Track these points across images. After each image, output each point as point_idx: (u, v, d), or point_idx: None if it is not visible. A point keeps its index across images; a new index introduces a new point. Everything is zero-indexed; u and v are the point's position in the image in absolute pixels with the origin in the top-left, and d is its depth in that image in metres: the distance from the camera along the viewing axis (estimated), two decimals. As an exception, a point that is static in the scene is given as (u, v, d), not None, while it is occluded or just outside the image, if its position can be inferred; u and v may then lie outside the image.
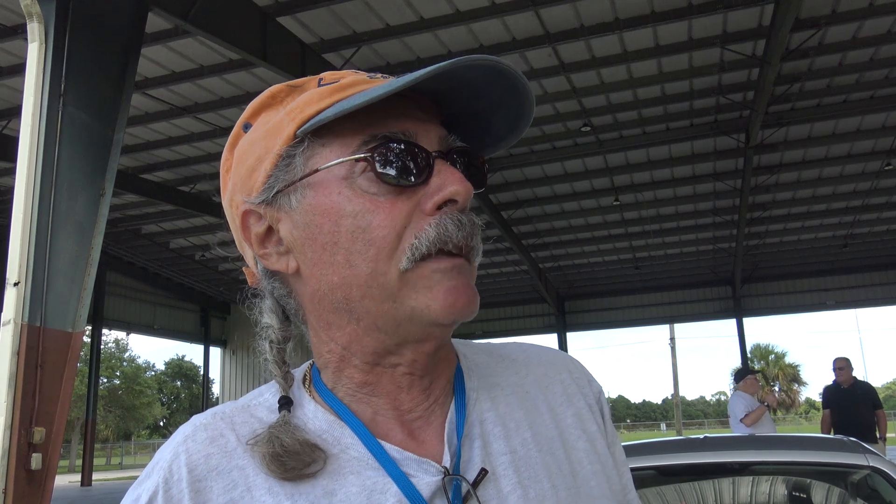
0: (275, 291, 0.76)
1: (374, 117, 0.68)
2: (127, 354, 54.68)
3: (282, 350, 0.76)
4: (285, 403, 0.72)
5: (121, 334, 46.34)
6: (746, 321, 26.19)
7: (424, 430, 0.72)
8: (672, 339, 38.88)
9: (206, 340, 27.99)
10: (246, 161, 0.73)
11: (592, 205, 19.05)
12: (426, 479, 0.67)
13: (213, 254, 22.43)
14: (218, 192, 0.78)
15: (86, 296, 5.06)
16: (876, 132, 15.23)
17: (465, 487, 0.68)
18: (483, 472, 0.68)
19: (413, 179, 0.67)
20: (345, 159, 0.68)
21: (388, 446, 0.69)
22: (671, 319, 30.59)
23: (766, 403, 7.72)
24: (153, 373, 60.07)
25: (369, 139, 0.68)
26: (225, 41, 9.50)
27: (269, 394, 0.75)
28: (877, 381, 72.45)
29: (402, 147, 0.67)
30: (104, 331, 24.94)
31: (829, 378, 8.68)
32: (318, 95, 0.70)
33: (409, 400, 0.72)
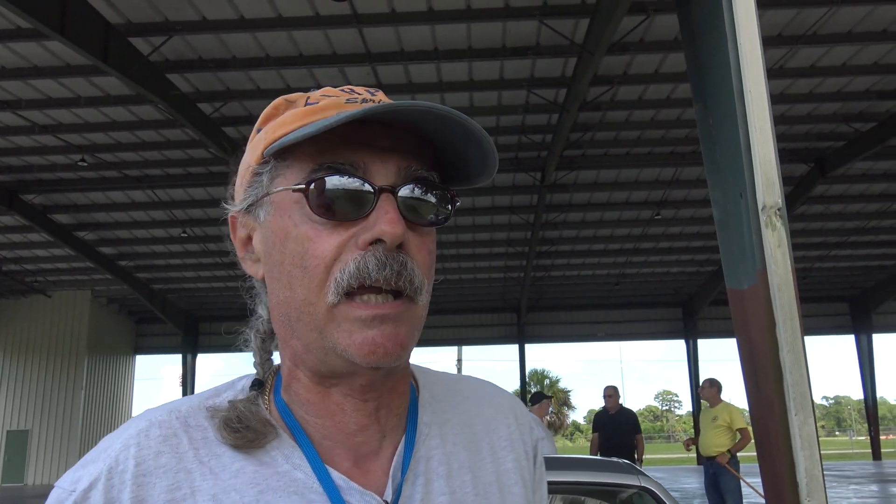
0: (259, 287, 0.79)
1: (331, 144, 0.68)
2: None
3: (266, 341, 0.79)
4: (258, 385, 0.75)
5: None
6: (528, 347, 27.96)
7: (372, 461, 0.73)
8: (459, 360, 40.37)
9: (-45, 336, 24.64)
10: (240, 170, 0.78)
11: (396, 225, 19.38)
12: None
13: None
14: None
15: None
16: (650, 184, 17.05)
17: None
18: None
19: (350, 214, 0.68)
20: (285, 188, 0.70)
21: (334, 473, 0.70)
22: (460, 342, 31.83)
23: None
24: None
25: (318, 168, 0.68)
26: (15, 5, 8.58)
27: (226, 394, 0.76)
28: (633, 407, 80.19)
29: (343, 179, 0.67)
30: None
31: (593, 403, 9.53)
32: (292, 117, 0.71)
33: (355, 422, 0.72)
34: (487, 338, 28.77)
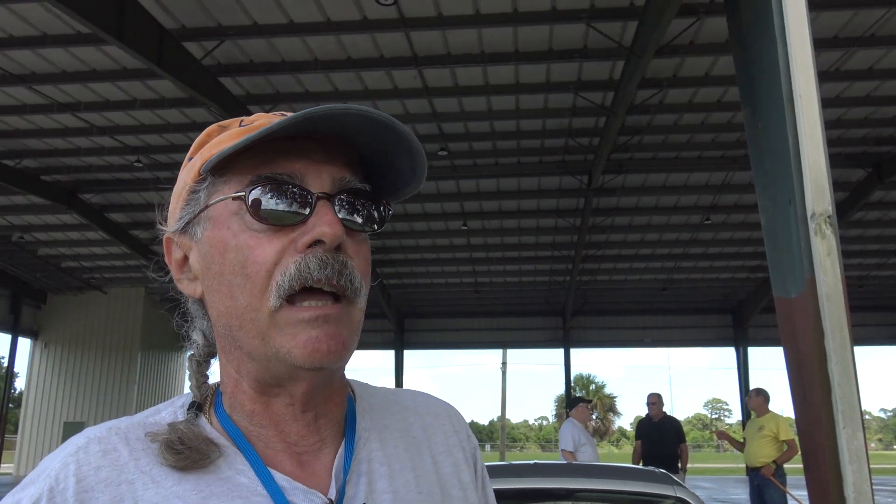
0: (195, 312, 0.81)
1: (267, 157, 0.72)
2: (-85, 338, 48.76)
3: (202, 365, 0.80)
4: (195, 406, 0.76)
5: None
6: (572, 351, 27.71)
7: (314, 463, 0.75)
8: (504, 363, 40.24)
9: (15, 330, 25.50)
10: (174, 193, 0.81)
11: (441, 227, 19.46)
12: None
13: (33, 236, 20.63)
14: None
15: None
16: (700, 189, 16.73)
17: None
18: None
19: (289, 219, 0.70)
20: (224, 197, 0.73)
21: (277, 475, 0.72)
22: (504, 345, 31.72)
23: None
24: (-55, 361, 53.93)
25: (255, 178, 0.71)
26: (75, 12, 8.86)
27: (166, 412, 0.77)
28: (681, 415, 78.78)
29: (281, 187, 0.71)
30: None
31: (640, 410, 9.40)
32: (228, 136, 0.75)
33: (296, 433, 0.75)
34: (532, 341, 28.58)
